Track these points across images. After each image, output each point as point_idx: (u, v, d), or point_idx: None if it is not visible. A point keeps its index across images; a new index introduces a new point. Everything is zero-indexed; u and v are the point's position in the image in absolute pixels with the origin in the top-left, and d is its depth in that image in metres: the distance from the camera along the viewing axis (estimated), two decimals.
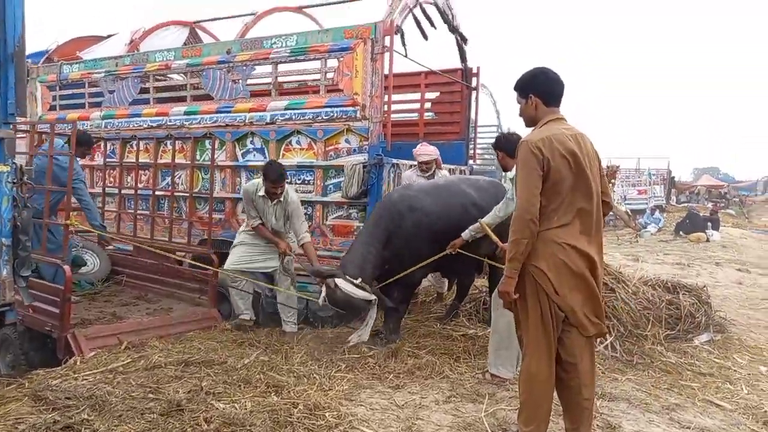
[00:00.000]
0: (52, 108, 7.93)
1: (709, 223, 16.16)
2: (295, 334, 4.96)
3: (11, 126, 2.94)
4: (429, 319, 5.18)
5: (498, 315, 3.86)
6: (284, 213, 5.06)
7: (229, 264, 5.15)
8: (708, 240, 15.04)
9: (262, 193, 4.96)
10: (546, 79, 2.83)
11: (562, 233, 2.72)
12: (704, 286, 6.08)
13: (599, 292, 2.78)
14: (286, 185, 5.02)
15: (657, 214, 19.17)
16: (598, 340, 4.23)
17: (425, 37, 6.27)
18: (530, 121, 2.93)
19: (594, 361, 2.86)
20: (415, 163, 5.99)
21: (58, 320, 4.42)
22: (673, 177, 30.52)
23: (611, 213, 3.81)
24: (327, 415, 3.10)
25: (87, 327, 4.68)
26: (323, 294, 4.44)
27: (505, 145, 4.29)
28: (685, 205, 26.76)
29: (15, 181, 2.94)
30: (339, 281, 4.35)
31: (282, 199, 4.97)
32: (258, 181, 5.05)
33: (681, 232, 16.04)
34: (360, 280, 4.42)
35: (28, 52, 8.19)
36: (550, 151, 2.68)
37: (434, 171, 5.92)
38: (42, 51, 8.43)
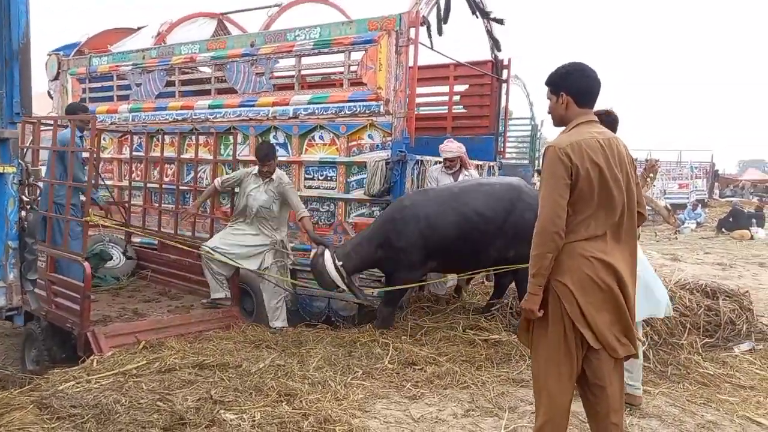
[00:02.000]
0: (82, 101, 7.96)
1: (754, 220, 15.45)
2: (286, 328, 5.16)
3: (17, 126, 2.88)
4: (451, 325, 4.99)
5: None
6: (275, 193, 5.22)
7: (210, 242, 5.37)
8: (752, 237, 14.40)
9: (255, 172, 5.27)
10: (581, 76, 2.59)
11: (590, 246, 2.51)
12: (746, 292, 5.73)
13: (630, 311, 2.57)
14: (278, 170, 5.28)
15: (699, 209, 18.46)
16: None
17: (440, 32, 6.04)
18: (559, 121, 2.72)
19: (623, 384, 2.65)
20: (441, 159, 5.81)
21: (78, 317, 4.43)
22: (717, 170, 29.42)
23: (649, 207, 3.53)
24: (337, 429, 2.97)
25: (107, 325, 4.68)
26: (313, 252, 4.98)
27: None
28: (729, 200, 25.72)
29: (21, 182, 2.88)
30: (326, 252, 4.84)
31: (273, 178, 5.20)
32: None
33: (723, 229, 15.39)
34: (341, 264, 4.80)
35: (60, 44, 8.39)
36: (579, 157, 2.46)
37: (459, 169, 5.73)
38: (73, 43, 8.48)
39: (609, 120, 3.64)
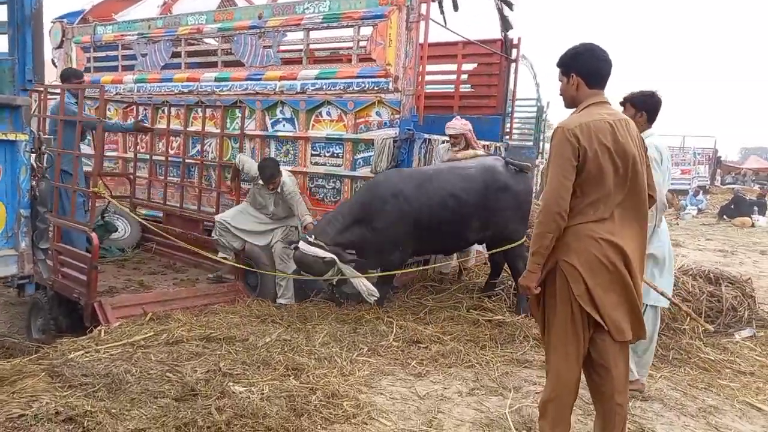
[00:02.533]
0: (87, 70, 7.88)
1: (756, 208, 15.44)
2: (292, 305, 5.08)
3: (29, 93, 2.85)
4: (455, 305, 5.02)
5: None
6: (282, 201, 5.25)
7: (222, 216, 5.38)
8: (753, 225, 14.40)
9: (261, 181, 5.19)
10: (591, 57, 2.57)
11: (598, 228, 2.51)
12: (748, 279, 5.76)
13: (638, 292, 2.58)
14: (283, 173, 5.21)
15: (700, 195, 18.44)
16: None
17: (456, 7, 5.95)
18: (570, 102, 2.70)
19: (628, 366, 2.67)
20: (448, 137, 5.77)
21: (85, 287, 4.45)
22: (719, 157, 29.30)
23: None
24: (345, 404, 3.00)
25: (114, 296, 4.70)
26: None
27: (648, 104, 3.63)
28: (731, 186, 25.69)
29: (33, 150, 2.86)
30: (301, 243, 4.69)
31: (279, 190, 5.16)
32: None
33: (725, 216, 15.39)
34: (314, 238, 4.67)
35: (64, 11, 8.27)
36: (587, 138, 2.45)
37: (465, 148, 5.66)
38: (78, 11, 8.35)
39: (652, 102, 3.61)
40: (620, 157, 2.49)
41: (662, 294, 3.53)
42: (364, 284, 4.76)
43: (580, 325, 2.55)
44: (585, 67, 2.57)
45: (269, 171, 5.07)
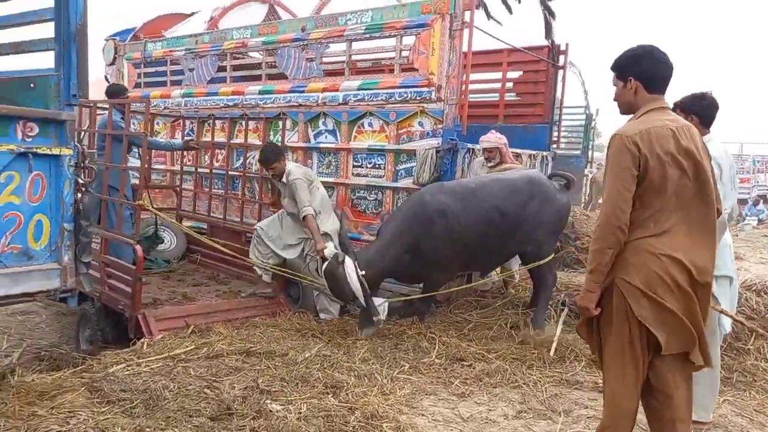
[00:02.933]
0: (137, 85, 8.13)
1: None
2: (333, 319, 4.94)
3: (74, 108, 2.89)
4: (498, 322, 4.82)
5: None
6: (288, 192, 5.01)
7: (260, 223, 5.38)
8: None
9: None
10: (651, 59, 2.40)
11: (660, 243, 2.32)
12: None
13: (703, 314, 2.37)
14: (289, 163, 5.08)
15: (761, 205, 17.53)
16: None
17: (510, 10, 5.78)
18: (627, 108, 2.53)
19: (691, 393, 2.46)
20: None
21: (129, 299, 4.50)
22: None
23: None
24: (385, 425, 2.88)
25: (157, 308, 4.74)
26: (321, 261, 4.57)
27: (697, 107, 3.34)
28: None
29: (77, 164, 2.89)
30: (347, 261, 4.30)
31: (285, 180, 4.97)
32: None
33: None
34: (363, 273, 4.31)
35: (116, 29, 8.56)
36: (648, 147, 2.27)
37: (499, 163, 5.35)
38: (129, 29, 8.64)
39: (704, 104, 3.33)
40: (684, 166, 2.31)
41: (722, 312, 3.27)
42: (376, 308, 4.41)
43: (639, 347, 2.37)
44: (645, 71, 2.40)
45: (264, 153, 4.99)
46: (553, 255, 4.93)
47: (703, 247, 2.38)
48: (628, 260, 2.35)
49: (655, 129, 2.30)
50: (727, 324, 3.39)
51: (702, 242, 2.38)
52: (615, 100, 2.56)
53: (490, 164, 5.36)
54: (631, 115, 2.52)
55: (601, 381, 3.67)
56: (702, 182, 2.36)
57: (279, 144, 5.72)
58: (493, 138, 5.37)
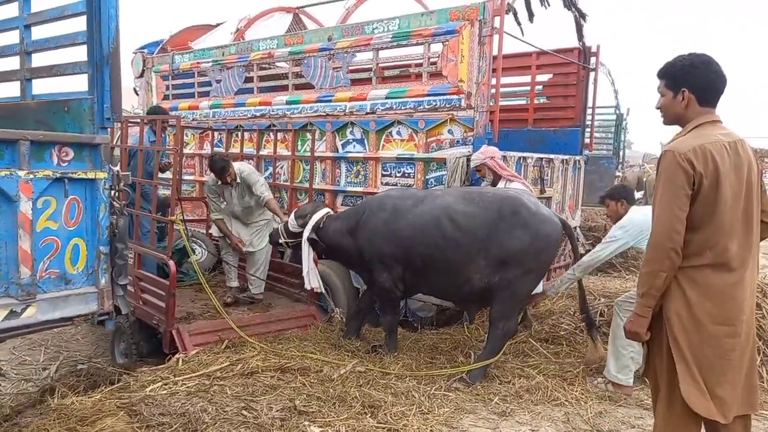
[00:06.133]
0: (165, 98, 8.21)
1: None
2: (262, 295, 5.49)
3: (107, 131, 2.88)
4: (535, 337, 4.69)
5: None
6: (244, 190, 5.34)
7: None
8: None
9: (218, 183, 5.32)
10: (707, 71, 2.27)
11: (717, 276, 2.20)
12: None
13: (752, 357, 2.25)
14: (234, 164, 5.33)
15: None
16: None
17: (531, 18, 5.64)
18: (674, 120, 2.40)
19: (749, 422, 2.33)
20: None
21: (163, 314, 4.51)
22: None
23: None
24: None
25: (191, 322, 4.74)
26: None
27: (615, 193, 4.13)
28: None
29: (112, 187, 2.88)
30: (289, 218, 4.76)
31: (238, 180, 5.27)
32: (210, 178, 5.44)
33: None
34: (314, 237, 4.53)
35: (144, 42, 8.66)
36: (703, 164, 2.15)
37: (492, 180, 4.81)
38: (157, 41, 8.74)
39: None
40: (740, 186, 2.19)
41: None
42: (312, 274, 4.63)
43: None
44: (700, 83, 2.27)
45: (219, 164, 5.18)
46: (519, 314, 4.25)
47: (749, 274, 2.27)
48: (684, 289, 2.22)
49: (712, 145, 2.18)
50: None
51: (748, 269, 2.26)
52: (660, 108, 2.44)
53: (484, 183, 4.83)
54: (677, 126, 2.41)
55: (647, 398, 3.56)
56: (754, 202, 2.25)
57: (219, 152, 6.02)
58: (477, 154, 4.81)
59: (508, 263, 3.93)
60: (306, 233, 4.58)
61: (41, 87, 3.31)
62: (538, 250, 3.93)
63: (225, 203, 5.47)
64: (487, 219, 3.98)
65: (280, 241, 4.88)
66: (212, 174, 5.37)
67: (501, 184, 4.78)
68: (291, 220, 4.77)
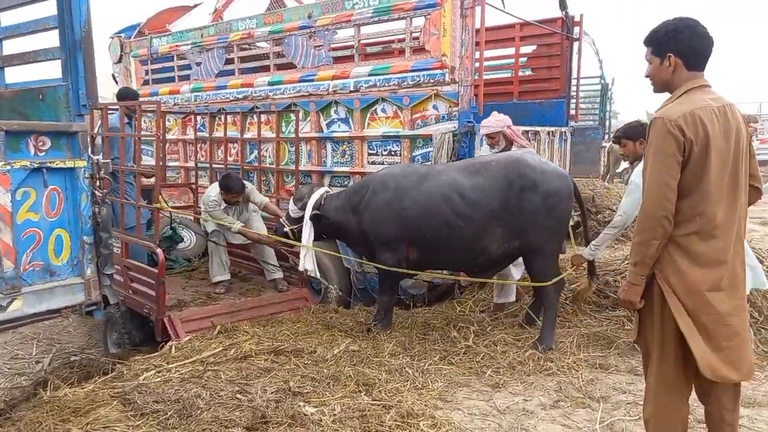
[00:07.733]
0: (145, 83, 8.06)
1: None
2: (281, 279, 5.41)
3: (84, 118, 2.82)
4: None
5: None
6: (243, 205, 5.40)
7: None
8: None
9: (223, 206, 5.20)
10: (693, 34, 2.23)
11: (705, 244, 2.19)
12: None
13: (743, 324, 2.26)
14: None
15: None
16: None
17: None
18: (663, 87, 2.37)
19: (739, 389, 2.36)
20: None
21: (154, 303, 4.48)
22: None
23: None
24: (421, 423, 2.83)
25: (182, 309, 4.72)
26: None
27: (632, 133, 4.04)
28: None
29: (92, 175, 2.84)
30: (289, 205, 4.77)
31: (240, 199, 5.28)
32: (213, 196, 5.18)
33: None
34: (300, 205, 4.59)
35: (121, 26, 8.46)
36: (693, 130, 2.12)
37: (505, 146, 4.74)
38: (134, 25, 8.52)
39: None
40: (729, 151, 2.18)
41: None
42: (309, 256, 4.60)
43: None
44: (685, 47, 2.23)
45: (239, 181, 5.22)
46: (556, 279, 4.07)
47: (737, 242, 2.27)
48: (673, 257, 2.22)
49: (701, 110, 2.16)
50: None
51: (737, 237, 2.26)
52: (648, 77, 2.41)
53: (494, 150, 4.78)
54: (668, 94, 2.38)
55: (637, 365, 3.60)
56: (742, 168, 2.24)
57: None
58: (492, 122, 4.74)
59: (525, 228, 4.00)
60: (307, 213, 4.52)
61: (14, 75, 3.23)
62: (552, 207, 3.99)
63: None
64: (496, 188, 4.01)
65: (286, 230, 4.77)
66: (221, 193, 5.14)
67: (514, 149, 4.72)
68: (291, 206, 4.74)
